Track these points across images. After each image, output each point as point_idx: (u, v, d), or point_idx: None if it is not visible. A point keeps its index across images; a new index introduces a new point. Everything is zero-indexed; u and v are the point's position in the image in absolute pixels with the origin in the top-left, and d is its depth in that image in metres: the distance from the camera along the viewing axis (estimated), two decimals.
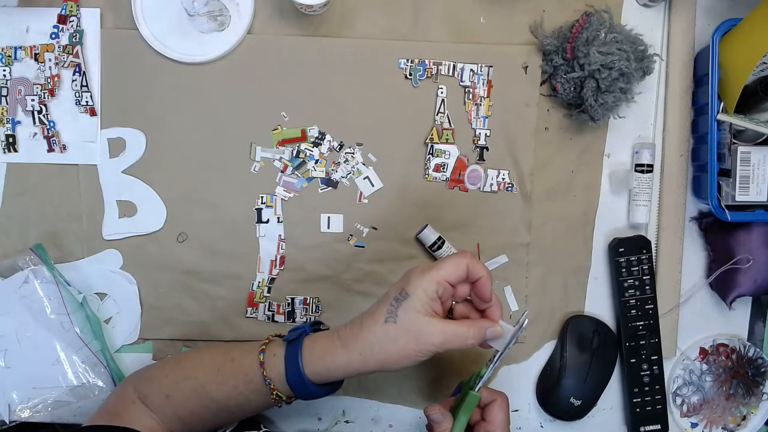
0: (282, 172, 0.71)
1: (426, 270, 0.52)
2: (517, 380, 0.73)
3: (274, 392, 0.55)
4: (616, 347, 0.73)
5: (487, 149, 0.72)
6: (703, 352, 0.75)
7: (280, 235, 0.71)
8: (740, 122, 0.67)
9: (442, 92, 0.71)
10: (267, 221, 0.71)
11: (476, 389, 0.55)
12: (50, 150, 0.69)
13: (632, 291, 0.72)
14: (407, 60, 0.71)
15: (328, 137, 0.71)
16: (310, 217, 0.71)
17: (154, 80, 0.69)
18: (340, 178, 0.71)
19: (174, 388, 0.58)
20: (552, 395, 0.72)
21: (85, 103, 0.69)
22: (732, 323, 0.76)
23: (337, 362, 0.53)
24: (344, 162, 0.71)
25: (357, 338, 0.52)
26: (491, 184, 0.72)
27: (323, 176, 0.71)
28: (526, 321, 0.55)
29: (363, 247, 0.72)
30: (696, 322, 0.75)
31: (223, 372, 0.57)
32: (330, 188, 0.71)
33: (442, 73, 0.71)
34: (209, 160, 0.70)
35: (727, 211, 0.69)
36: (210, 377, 0.57)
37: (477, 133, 0.72)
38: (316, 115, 0.71)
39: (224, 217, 0.71)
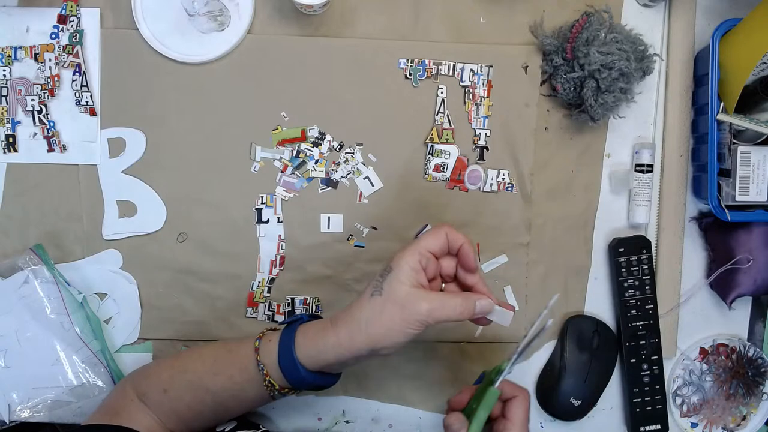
0: (282, 172, 0.71)
1: (408, 245, 0.53)
2: (517, 380, 0.72)
3: (267, 379, 0.55)
4: (616, 347, 0.73)
5: (487, 149, 0.72)
6: (703, 352, 0.75)
7: (280, 235, 0.71)
8: (740, 122, 0.67)
9: (442, 92, 0.71)
10: (267, 221, 0.71)
11: (496, 385, 0.53)
12: (50, 150, 0.69)
13: (632, 291, 0.72)
14: (407, 60, 0.71)
15: (328, 137, 0.71)
16: (310, 217, 0.71)
17: (154, 80, 0.69)
18: (340, 178, 0.71)
19: (171, 382, 0.58)
20: (552, 395, 0.72)
21: (85, 103, 0.69)
22: (732, 323, 0.76)
23: (327, 342, 0.53)
24: (344, 162, 0.71)
25: (345, 316, 0.53)
26: (491, 184, 0.72)
27: (323, 176, 0.71)
28: (554, 299, 0.53)
29: (363, 247, 0.72)
30: (696, 322, 0.75)
31: (219, 362, 0.57)
32: (330, 188, 0.71)
33: (442, 73, 0.71)
34: (209, 160, 0.70)
35: (727, 211, 0.68)
36: (206, 368, 0.57)
37: (477, 133, 0.72)
38: (316, 115, 0.71)
39: (224, 217, 0.71)
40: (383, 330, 0.50)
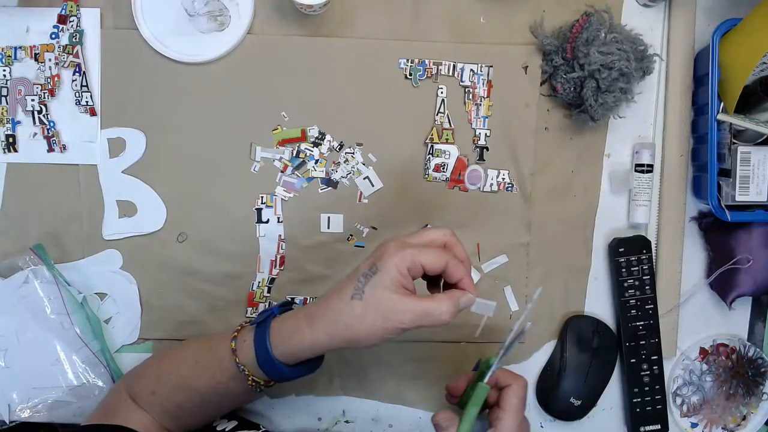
0: (282, 172, 0.71)
1: (402, 247, 0.49)
2: None
3: (250, 378, 0.55)
4: (616, 347, 0.73)
5: (487, 149, 0.72)
6: (703, 352, 0.75)
7: (280, 235, 0.71)
8: (740, 122, 0.67)
9: (442, 92, 0.71)
10: (267, 221, 0.71)
11: (485, 380, 0.52)
12: (50, 150, 0.69)
13: (632, 291, 0.72)
14: (407, 60, 0.71)
15: (328, 137, 0.71)
16: (310, 217, 0.71)
17: (154, 80, 0.69)
18: (340, 178, 0.71)
19: (158, 384, 0.58)
20: (552, 395, 0.72)
21: (85, 103, 0.69)
22: (732, 323, 0.76)
23: (304, 341, 0.51)
24: (344, 162, 0.71)
25: (323, 316, 0.51)
26: (491, 184, 0.72)
27: (323, 176, 0.71)
28: (538, 291, 0.53)
29: (363, 247, 0.72)
30: (696, 322, 0.75)
31: (201, 362, 0.57)
32: (330, 188, 0.71)
33: (442, 73, 0.71)
34: (209, 160, 0.70)
35: (727, 211, 0.69)
36: (190, 369, 0.57)
37: (477, 133, 0.72)
38: (316, 115, 0.71)
39: (224, 217, 0.71)
40: (363, 335, 0.49)
